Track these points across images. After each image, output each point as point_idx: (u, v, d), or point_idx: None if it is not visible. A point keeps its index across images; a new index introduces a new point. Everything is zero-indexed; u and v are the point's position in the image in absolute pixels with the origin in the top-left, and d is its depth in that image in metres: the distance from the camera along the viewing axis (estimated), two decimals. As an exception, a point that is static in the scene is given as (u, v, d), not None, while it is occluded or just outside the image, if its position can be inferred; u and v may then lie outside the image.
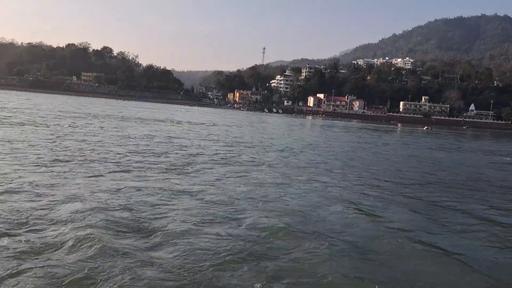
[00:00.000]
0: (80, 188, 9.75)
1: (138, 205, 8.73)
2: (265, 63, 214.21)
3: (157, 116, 50.39)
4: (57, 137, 19.75)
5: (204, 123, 44.43)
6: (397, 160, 22.00)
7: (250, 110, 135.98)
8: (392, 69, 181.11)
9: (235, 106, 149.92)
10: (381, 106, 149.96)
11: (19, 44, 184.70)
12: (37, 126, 24.38)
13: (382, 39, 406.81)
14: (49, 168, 11.84)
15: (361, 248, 7.12)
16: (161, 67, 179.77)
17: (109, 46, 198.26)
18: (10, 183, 9.66)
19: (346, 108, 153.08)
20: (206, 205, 9.21)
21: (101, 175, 11.49)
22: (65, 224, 7.24)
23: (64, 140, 18.80)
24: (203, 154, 17.85)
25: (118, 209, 8.28)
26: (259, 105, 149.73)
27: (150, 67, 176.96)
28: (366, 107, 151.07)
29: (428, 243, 7.66)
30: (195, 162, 15.28)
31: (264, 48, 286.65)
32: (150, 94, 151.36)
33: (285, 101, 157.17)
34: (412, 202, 11.17)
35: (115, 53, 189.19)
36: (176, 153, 17.43)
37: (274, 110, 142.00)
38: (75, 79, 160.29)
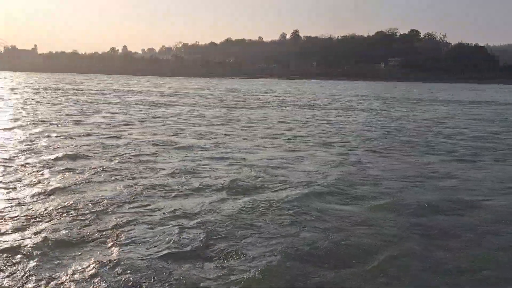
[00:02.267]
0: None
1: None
2: None
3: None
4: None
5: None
6: None
7: None
8: None
9: None
10: None
11: (335, 38, 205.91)
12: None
13: None
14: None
15: None
16: (473, 44, 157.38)
17: (417, 29, 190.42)
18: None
19: None
20: None
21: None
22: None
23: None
24: None
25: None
26: None
27: (459, 46, 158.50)
28: None
29: None
30: None
31: None
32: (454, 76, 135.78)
33: None
34: None
35: (422, 35, 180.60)
36: None
37: None
38: (383, 65, 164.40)
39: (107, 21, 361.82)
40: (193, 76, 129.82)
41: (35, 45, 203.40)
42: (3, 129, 14.78)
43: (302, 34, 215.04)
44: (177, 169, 9.25)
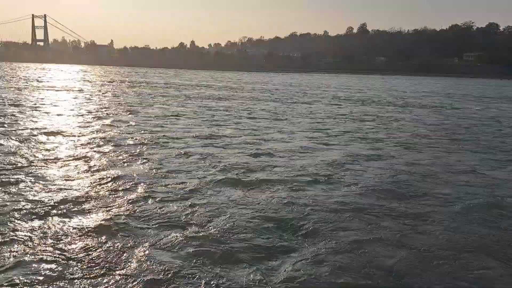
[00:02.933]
0: None
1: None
2: None
3: None
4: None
5: None
6: None
7: None
8: None
9: None
10: None
11: (405, 31, 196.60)
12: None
13: None
14: None
15: None
16: None
17: (495, 22, 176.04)
18: None
19: None
20: None
21: None
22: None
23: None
24: None
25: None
26: None
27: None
28: None
29: None
30: None
31: None
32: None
33: None
34: None
35: (501, 28, 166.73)
36: None
37: None
38: (456, 60, 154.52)
39: (177, 17, 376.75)
40: (256, 71, 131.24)
41: (112, 40, 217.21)
42: (72, 115, 16.39)
43: (370, 28, 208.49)
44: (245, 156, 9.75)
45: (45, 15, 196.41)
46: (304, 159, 10.16)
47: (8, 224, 5.52)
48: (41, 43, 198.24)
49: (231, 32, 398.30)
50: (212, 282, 4.31)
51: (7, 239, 5.08)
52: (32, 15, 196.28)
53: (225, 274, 4.49)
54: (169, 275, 4.42)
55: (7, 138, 11.26)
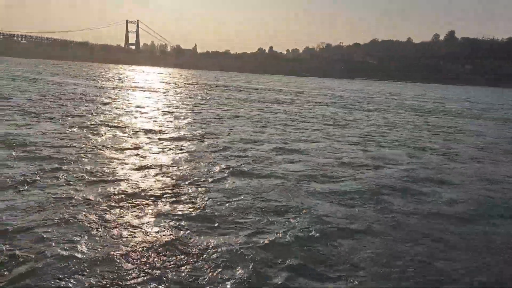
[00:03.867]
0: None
1: None
2: None
3: None
4: None
5: None
6: None
7: None
8: None
9: None
10: None
11: (499, 39, 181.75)
12: None
13: None
14: None
15: None
16: None
17: None
18: None
19: None
20: None
21: None
22: None
23: None
24: None
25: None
26: None
27: None
28: None
29: None
30: None
31: None
32: None
33: None
34: None
35: None
36: None
37: None
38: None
39: (256, 23, 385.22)
40: (333, 77, 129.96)
41: (195, 45, 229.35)
42: (144, 112, 18.31)
43: (458, 35, 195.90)
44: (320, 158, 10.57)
45: (137, 21, 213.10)
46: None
47: (106, 213, 5.94)
48: (133, 47, 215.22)
49: (310, 37, 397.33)
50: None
51: (100, 228, 5.38)
52: (127, 20, 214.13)
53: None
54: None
55: (88, 128, 13.08)
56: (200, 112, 20.28)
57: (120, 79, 51.57)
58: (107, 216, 5.79)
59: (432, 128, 19.30)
